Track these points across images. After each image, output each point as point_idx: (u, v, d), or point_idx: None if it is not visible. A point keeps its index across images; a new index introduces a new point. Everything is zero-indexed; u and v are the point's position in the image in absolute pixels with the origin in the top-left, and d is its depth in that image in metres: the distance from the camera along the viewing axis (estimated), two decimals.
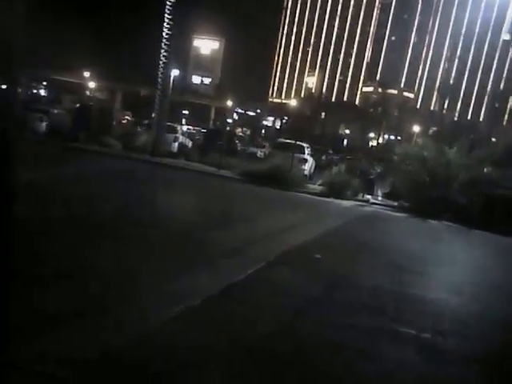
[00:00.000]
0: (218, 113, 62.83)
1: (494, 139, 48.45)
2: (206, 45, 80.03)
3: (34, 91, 52.84)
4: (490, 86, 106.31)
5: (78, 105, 24.36)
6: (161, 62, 17.99)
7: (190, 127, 35.02)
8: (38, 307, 3.15)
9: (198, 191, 11.34)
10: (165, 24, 17.80)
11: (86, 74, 53.41)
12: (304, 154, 19.00)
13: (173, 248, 5.46)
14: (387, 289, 5.20)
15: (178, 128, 21.89)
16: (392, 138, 69.16)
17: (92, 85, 55.36)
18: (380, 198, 16.97)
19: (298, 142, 17.81)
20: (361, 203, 15.10)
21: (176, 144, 19.60)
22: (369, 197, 16.51)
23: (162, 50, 17.87)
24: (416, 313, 4.52)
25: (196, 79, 75.50)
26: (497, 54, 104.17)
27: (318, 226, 8.91)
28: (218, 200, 10.24)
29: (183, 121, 42.68)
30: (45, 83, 57.27)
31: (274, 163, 15.99)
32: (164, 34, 17.80)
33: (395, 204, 15.57)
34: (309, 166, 19.34)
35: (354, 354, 3.35)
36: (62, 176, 8.97)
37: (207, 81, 76.41)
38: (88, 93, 53.08)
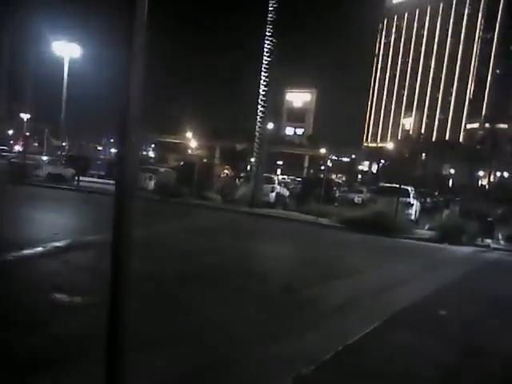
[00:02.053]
0: (312, 161, 63.19)
1: None
2: (298, 97, 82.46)
3: (144, 152, 58.44)
4: None
5: (182, 163, 26.09)
6: (258, 117, 18.63)
7: (285, 177, 35.44)
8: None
9: (299, 242, 11.03)
10: (261, 81, 18.59)
11: (188, 135, 57.92)
12: (409, 197, 17.80)
13: (280, 305, 5.12)
14: None
15: (275, 178, 22.13)
16: (506, 175, 62.75)
17: (193, 144, 59.73)
18: (502, 243, 15.00)
19: (401, 186, 16.76)
20: (480, 249, 13.42)
21: (273, 194, 19.73)
22: (489, 241, 14.67)
23: (259, 106, 18.55)
24: None
25: (289, 130, 77.51)
26: None
27: (437, 278, 7.92)
28: (321, 250, 9.76)
29: (278, 171, 43.48)
30: (153, 145, 63.19)
31: (376, 209, 15.16)
32: (260, 90, 18.53)
33: None
34: (414, 210, 18.04)
35: None
36: (171, 230, 9.34)
37: (300, 131, 77.95)
38: (190, 151, 57.20)
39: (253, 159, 19.78)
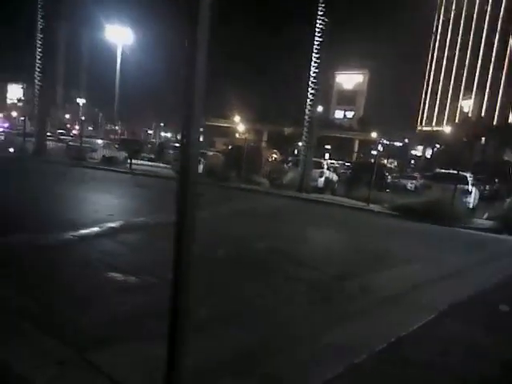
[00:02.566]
0: (362, 145, 61.57)
1: None
2: (349, 79, 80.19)
3: None
4: None
5: (230, 146, 26.21)
6: (308, 100, 18.24)
7: (333, 161, 34.77)
8: None
9: (350, 228, 10.81)
10: (312, 63, 18.11)
11: (236, 119, 58.14)
12: (467, 184, 16.89)
13: (332, 292, 5.05)
14: None
15: (324, 163, 21.73)
16: None
17: (241, 127, 59.93)
18: None
19: (459, 172, 15.90)
20: None
21: (322, 179, 19.43)
22: None
23: (309, 88, 18.13)
24: None
25: (339, 113, 75.79)
26: None
27: (494, 271, 7.46)
28: (373, 238, 9.48)
29: (326, 155, 42.77)
30: (201, 129, 63.99)
31: (431, 196, 14.51)
32: (311, 72, 18.08)
33: None
34: (473, 197, 17.10)
35: None
36: (220, 214, 9.44)
37: (350, 114, 76.01)
38: (238, 135, 57.48)
39: (301, 143, 19.47)
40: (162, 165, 23.77)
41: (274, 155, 26.98)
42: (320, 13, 17.91)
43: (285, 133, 57.94)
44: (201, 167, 21.05)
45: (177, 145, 35.15)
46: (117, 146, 25.27)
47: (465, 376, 3.30)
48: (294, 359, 3.23)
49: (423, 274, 6.57)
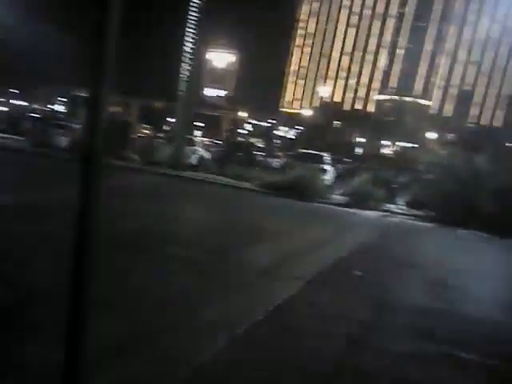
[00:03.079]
0: (233, 124, 63.07)
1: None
2: (222, 58, 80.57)
3: (53, 106, 53.75)
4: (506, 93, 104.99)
5: None
6: (182, 77, 18.04)
7: (206, 139, 35.07)
8: None
9: (223, 206, 11.20)
10: (188, 38, 17.90)
11: None
12: (325, 163, 18.78)
13: (207, 269, 5.24)
14: (438, 307, 4.92)
15: (197, 140, 21.86)
16: (407, 145, 68.37)
17: (109, 100, 55.96)
18: (404, 208, 16.61)
19: (318, 152, 17.62)
20: (386, 214, 14.75)
21: (195, 156, 19.55)
22: (393, 206, 16.17)
23: (184, 64, 17.94)
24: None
25: (211, 91, 75.87)
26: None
27: (350, 240, 8.65)
28: (244, 214, 10.05)
29: (199, 133, 42.83)
30: (64, 99, 58.27)
31: (295, 174, 15.80)
32: (187, 48, 17.88)
33: (420, 213, 15.20)
34: (330, 175, 19.11)
35: None
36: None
37: (222, 93, 76.75)
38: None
39: (174, 119, 19.28)
40: (15, 137, 21.16)
41: (146, 130, 26.14)
42: None
43: (156, 107, 56.05)
44: (65, 141, 19.37)
45: (35, 115, 31.38)
46: None
47: (331, 335, 3.79)
48: (178, 338, 3.27)
49: (291, 246, 7.27)
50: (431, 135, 64.11)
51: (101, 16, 1.78)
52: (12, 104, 53.35)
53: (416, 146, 65.84)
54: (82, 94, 57.16)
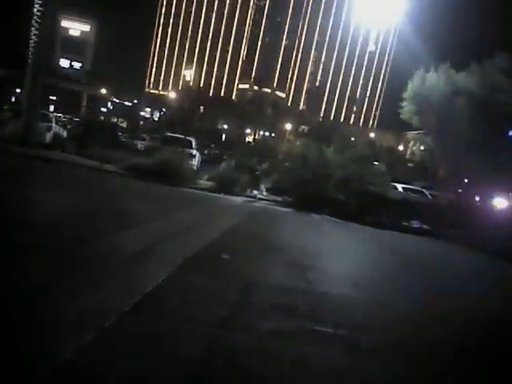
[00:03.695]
0: (91, 101, 58.45)
1: (352, 138, 54.28)
2: (76, 26, 73.43)
3: None
4: (349, 91, 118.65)
5: None
6: (31, 42, 16.04)
7: (60, 115, 31.91)
8: None
9: (85, 190, 10.43)
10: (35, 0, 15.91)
11: None
12: (192, 148, 18.86)
13: (73, 257, 4.90)
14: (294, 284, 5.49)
15: (51, 116, 19.77)
16: (267, 134, 72.51)
17: None
18: (265, 194, 17.74)
19: (185, 137, 17.58)
20: (249, 199, 15.58)
21: (50, 134, 17.68)
22: (256, 192, 17.14)
23: (33, 29, 15.94)
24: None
25: (64, 63, 68.84)
26: (355, 61, 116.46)
27: (217, 225, 8.94)
28: (109, 199, 9.55)
29: (51, 107, 38.66)
30: None
31: (160, 158, 15.52)
32: (35, 10, 15.89)
33: (279, 199, 16.46)
34: (196, 160, 19.27)
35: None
36: None
37: (77, 65, 70.26)
38: None
39: (20, 90, 17.13)
40: None
41: None
42: None
43: None
44: None
45: None
46: None
47: (202, 319, 3.85)
48: (35, 336, 2.96)
49: (161, 231, 7.21)
50: (287, 126, 69.01)
51: None
52: None
53: (274, 135, 70.29)
54: None
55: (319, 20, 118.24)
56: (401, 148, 62.28)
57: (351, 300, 5.39)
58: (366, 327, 4.46)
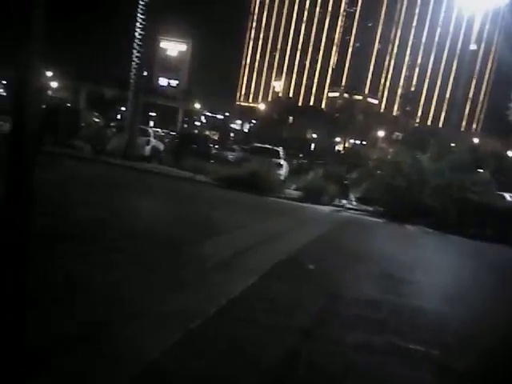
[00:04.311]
0: (186, 115, 62.19)
1: (453, 144, 50.45)
2: (174, 47, 78.91)
3: None
4: (448, 94, 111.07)
5: (44, 106, 23.28)
6: (133, 64, 17.50)
7: (158, 130, 34.34)
8: None
9: (178, 198, 11.02)
10: (137, 24, 17.35)
11: (49, 73, 51.43)
12: (279, 158, 18.99)
13: (163, 262, 5.13)
14: (383, 299, 5.12)
15: (150, 131, 21.32)
16: (357, 142, 70.63)
17: (54, 84, 53.39)
18: (354, 203, 17.16)
19: (273, 147, 17.78)
20: (338, 208, 15.18)
21: (149, 147, 19.09)
22: (344, 202, 16.66)
23: (135, 51, 17.40)
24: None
25: (163, 81, 74.30)
26: (455, 62, 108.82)
27: (304, 235, 8.80)
28: (199, 207, 9.94)
29: (151, 123, 41.85)
30: (4, 82, 54.70)
31: (250, 168, 15.87)
32: (137, 34, 17.33)
33: (370, 209, 15.78)
34: (284, 170, 19.36)
35: None
36: (37, 182, 8.42)
37: (174, 83, 75.33)
38: (50, 92, 51.10)
39: (125, 108, 18.73)
40: None
41: (96, 119, 25.11)
42: None
43: (106, 95, 54.01)
44: (6, 126, 18.22)
45: None
46: None
47: (284, 328, 3.78)
48: (128, 334, 3.14)
49: (248, 239, 7.29)
50: (380, 133, 66.55)
51: None
52: None
53: (365, 143, 68.19)
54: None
55: (414, 22, 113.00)
56: (510, 154, 56.51)
57: (445, 316, 4.89)
58: (460, 347, 4.00)
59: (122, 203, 8.43)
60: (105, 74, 53.14)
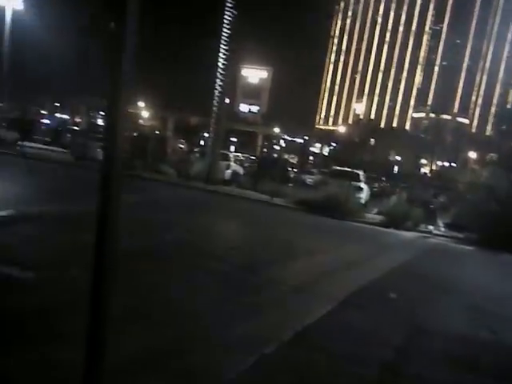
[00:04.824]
0: (266, 140, 63.47)
1: None
2: (255, 74, 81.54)
3: (93, 120, 55.87)
4: None
5: (134, 134, 25.21)
6: (216, 92, 18.31)
7: (239, 154, 35.36)
8: None
9: (256, 221, 11.14)
10: (220, 55, 18.20)
11: (140, 104, 55.89)
12: (360, 181, 18.44)
13: (240, 283, 5.16)
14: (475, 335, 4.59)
15: (231, 155, 22.03)
16: (446, 164, 66.49)
17: (145, 114, 57.77)
18: (442, 229, 16.00)
19: (353, 170, 17.33)
20: (424, 235, 14.25)
21: (229, 171, 19.69)
22: (431, 227, 15.60)
23: (217, 80, 18.21)
24: None
25: (244, 107, 76.80)
26: None
27: (386, 261, 8.34)
28: (278, 230, 9.93)
29: (232, 148, 43.30)
30: (102, 112, 60.36)
31: (329, 191, 15.58)
32: (220, 64, 18.18)
33: (460, 236, 14.59)
34: (364, 194, 18.74)
35: None
36: (125, 204, 9.03)
37: (255, 109, 77.51)
38: (141, 121, 55.34)
39: (207, 134, 19.57)
40: (58, 149, 22.03)
41: (181, 145, 26.60)
42: (229, 5, 18.09)
43: (191, 122, 57.22)
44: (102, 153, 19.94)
45: (76, 128, 32.61)
46: (6, 125, 22.71)
47: (363, 361, 3.57)
48: (207, 353, 3.22)
49: (325, 264, 7.09)
50: (471, 154, 62.08)
51: (117, 29, 1.77)
52: (56, 117, 55.82)
53: (455, 165, 63.95)
54: None
55: (509, 35, 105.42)
56: None
57: None
58: None
59: (204, 225, 8.72)
60: (190, 103, 56.35)
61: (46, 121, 42.72)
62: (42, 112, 57.94)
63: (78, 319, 1.83)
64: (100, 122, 58.88)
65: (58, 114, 59.42)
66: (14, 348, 2.81)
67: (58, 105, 63.73)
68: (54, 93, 58.33)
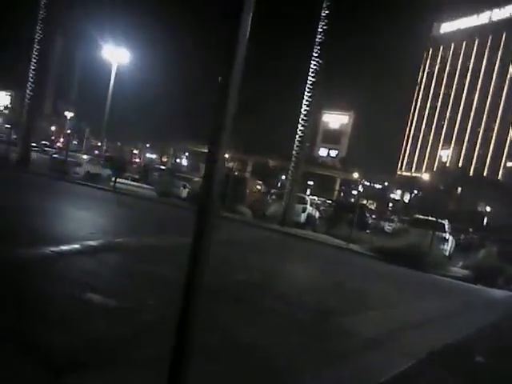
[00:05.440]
0: (343, 184, 62.67)
1: None
2: (335, 119, 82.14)
3: (177, 160, 59.57)
4: None
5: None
6: (297, 137, 18.66)
7: (315, 198, 35.19)
8: None
9: (331, 267, 10.86)
10: (304, 101, 18.64)
11: None
12: (445, 232, 17.29)
13: (311, 331, 4.99)
14: None
15: (307, 198, 21.99)
16: None
17: (226, 156, 60.38)
18: None
19: (437, 219, 16.31)
20: None
21: (304, 214, 19.61)
22: None
23: (299, 125, 18.58)
24: None
25: (323, 151, 77.22)
26: None
27: (473, 320, 7.60)
28: (353, 279, 9.55)
29: (308, 191, 43.31)
30: (186, 153, 64.23)
31: (409, 240, 14.80)
32: (303, 110, 18.59)
33: None
34: (449, 245, 17.49)
35: None
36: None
37: (334, 153, 77.52)
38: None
39: (284, 177, 19.80)
40: (145, 186, 23.66)
41: (258, 186, 27.19)
42: (315, 54, 18.61)
43: (269, 165, 58.60)
44: (185, 192, 21.03)
45: (162, 167, 34.97)
46: (102, 162, 25.09)
47: None
48: None
49: (402, 318, 6.62)
50: None
51: (222, 82, 1.93)
52: (145, 157, 60.47)
53: None
54: (203, 150, 62.72)
55: None
56: None
57: None
58: None
59: (276, 267, 8.69)
60: (270, 147, 57.97)
61: (137, 159, 46.37)
62: (134, 152, 63.16)
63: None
64: (184, 162, 62.66)
65: (147, 154, 64.35)
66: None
67: (148, 146, 69.14)
68: (147, 135, 63.61)
